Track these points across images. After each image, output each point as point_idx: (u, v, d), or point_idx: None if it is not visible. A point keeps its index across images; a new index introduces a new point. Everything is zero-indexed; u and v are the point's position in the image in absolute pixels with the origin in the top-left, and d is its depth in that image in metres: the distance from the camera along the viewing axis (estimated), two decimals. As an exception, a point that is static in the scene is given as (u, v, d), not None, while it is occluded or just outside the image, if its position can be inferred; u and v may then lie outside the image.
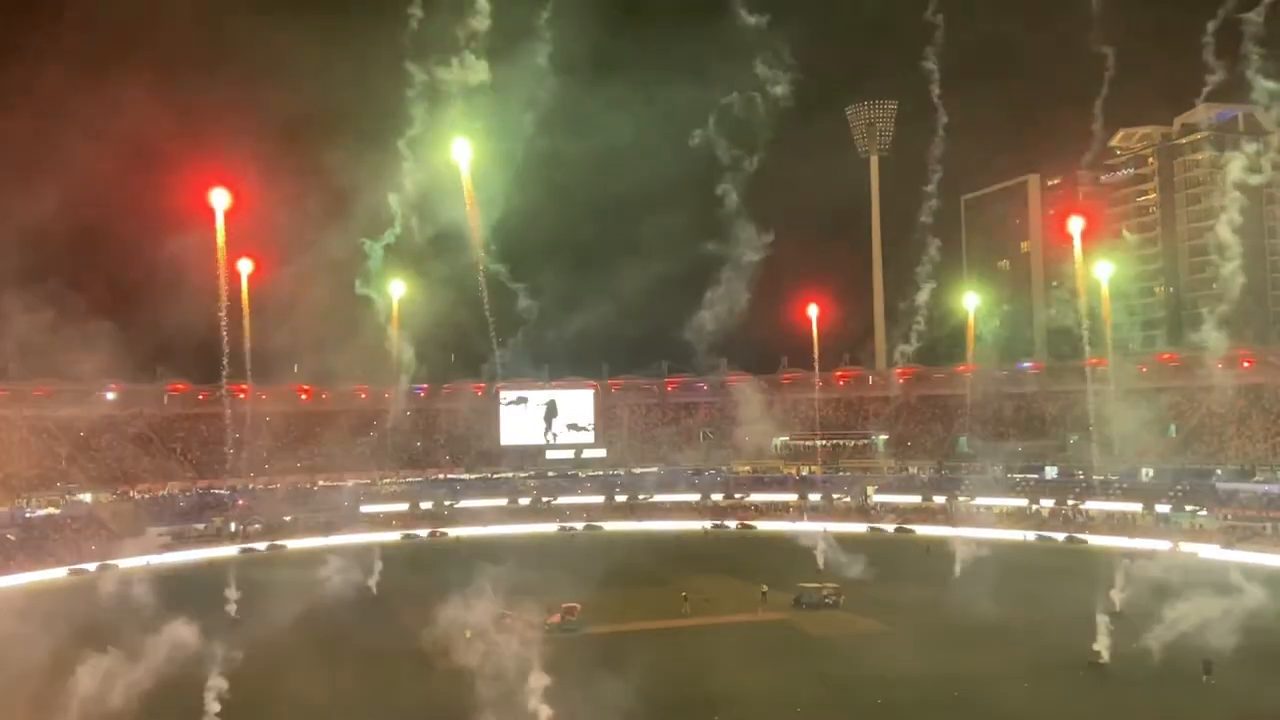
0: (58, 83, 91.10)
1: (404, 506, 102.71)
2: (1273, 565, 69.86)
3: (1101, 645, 45.32)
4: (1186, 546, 78.49)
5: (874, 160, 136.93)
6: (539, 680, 36.33)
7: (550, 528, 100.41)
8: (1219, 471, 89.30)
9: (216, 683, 37.16)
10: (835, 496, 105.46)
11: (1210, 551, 77.25)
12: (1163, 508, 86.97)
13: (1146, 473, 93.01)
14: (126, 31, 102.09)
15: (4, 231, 77.63)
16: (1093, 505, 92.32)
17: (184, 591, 60.75)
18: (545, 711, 35.57)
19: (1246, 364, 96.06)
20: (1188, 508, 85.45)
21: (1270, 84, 75.13)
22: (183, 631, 40.78)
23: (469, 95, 73.79)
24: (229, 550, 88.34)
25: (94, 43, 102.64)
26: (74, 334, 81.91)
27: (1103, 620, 46.28)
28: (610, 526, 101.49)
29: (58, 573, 77.88)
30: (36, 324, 78.94)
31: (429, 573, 56.57)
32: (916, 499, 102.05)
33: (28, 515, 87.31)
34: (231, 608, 57.13)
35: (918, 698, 41.64)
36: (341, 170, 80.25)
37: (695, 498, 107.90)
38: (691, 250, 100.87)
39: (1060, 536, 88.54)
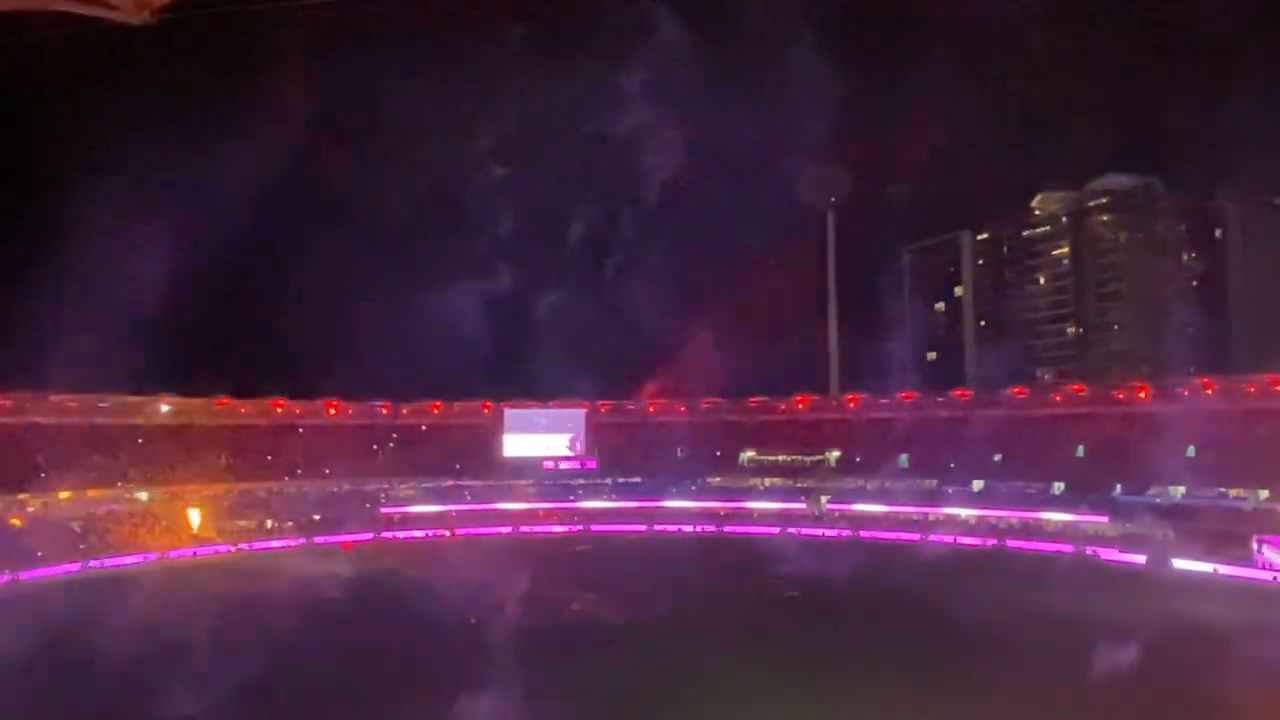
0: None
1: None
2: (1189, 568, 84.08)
3: None
4: (1089, 549, 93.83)
5: (830, 216, 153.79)
6: None
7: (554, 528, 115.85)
8: (1119, 487, 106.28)
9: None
10: (794, 505, 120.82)
11: (1110, 555, 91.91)
12: (1072, 517, 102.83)
13: (1058, 486, 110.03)
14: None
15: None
16: (1015, 514, 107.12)
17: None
18: None
19: (1143, 394, 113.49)
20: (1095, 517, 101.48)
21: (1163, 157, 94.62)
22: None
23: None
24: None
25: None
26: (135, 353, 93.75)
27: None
28: (600, 528, 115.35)
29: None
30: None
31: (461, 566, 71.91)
32: (866, 507, 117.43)
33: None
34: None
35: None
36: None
37: (676, 504, 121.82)
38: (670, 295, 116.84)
39: (988, 541, 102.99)
